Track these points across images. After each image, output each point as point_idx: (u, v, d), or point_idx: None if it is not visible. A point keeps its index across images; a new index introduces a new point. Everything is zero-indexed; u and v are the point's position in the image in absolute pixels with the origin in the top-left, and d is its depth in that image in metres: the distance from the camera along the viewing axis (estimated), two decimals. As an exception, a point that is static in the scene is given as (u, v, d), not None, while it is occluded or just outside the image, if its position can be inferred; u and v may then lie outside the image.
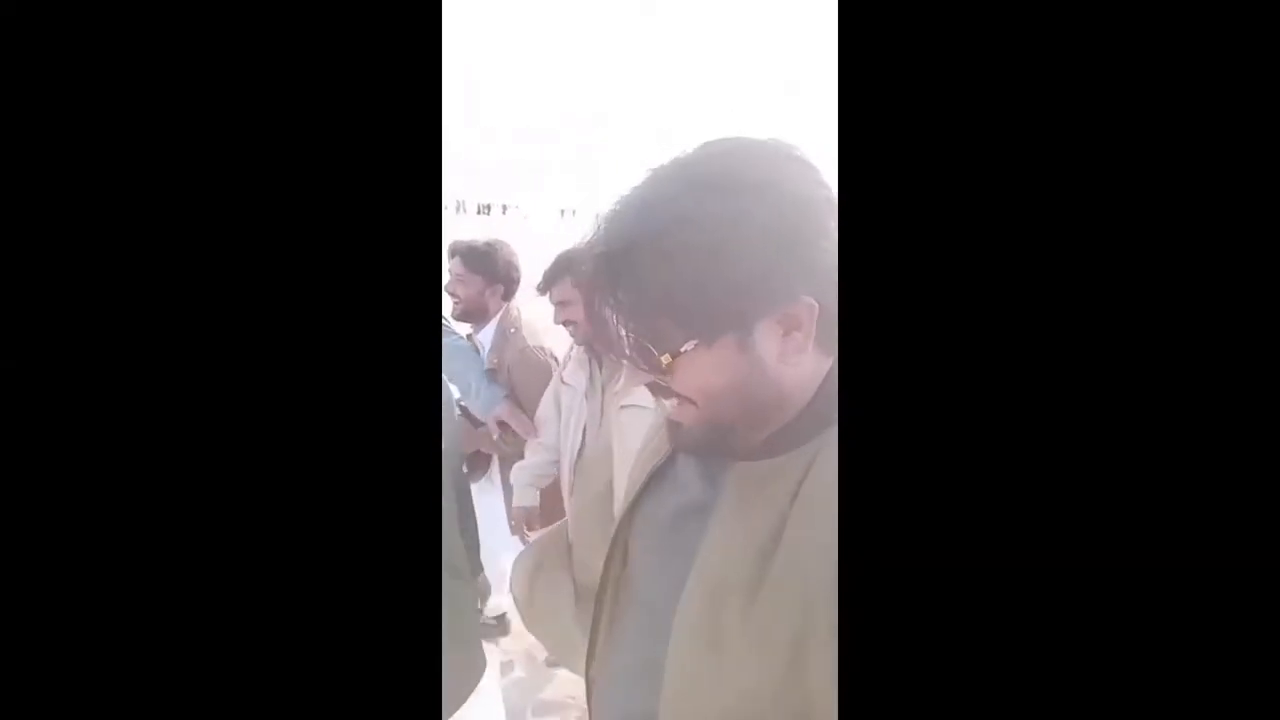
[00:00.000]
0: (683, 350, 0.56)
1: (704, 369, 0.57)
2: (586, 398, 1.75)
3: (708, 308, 0.55)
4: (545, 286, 1.74)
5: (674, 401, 0.60)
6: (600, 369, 1.73)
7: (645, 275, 0.54)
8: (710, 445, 0.61)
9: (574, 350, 1.83)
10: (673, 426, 0.62)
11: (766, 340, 0.57)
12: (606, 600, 0.73)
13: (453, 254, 2.17)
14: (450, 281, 2.17)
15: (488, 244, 2.16)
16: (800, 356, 0.57)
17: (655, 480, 0.71)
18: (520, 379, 2.05)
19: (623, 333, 0.56)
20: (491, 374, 2.11)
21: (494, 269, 2.15)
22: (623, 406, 1.44)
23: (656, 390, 0.60)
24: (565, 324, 1.77)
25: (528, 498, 1.95)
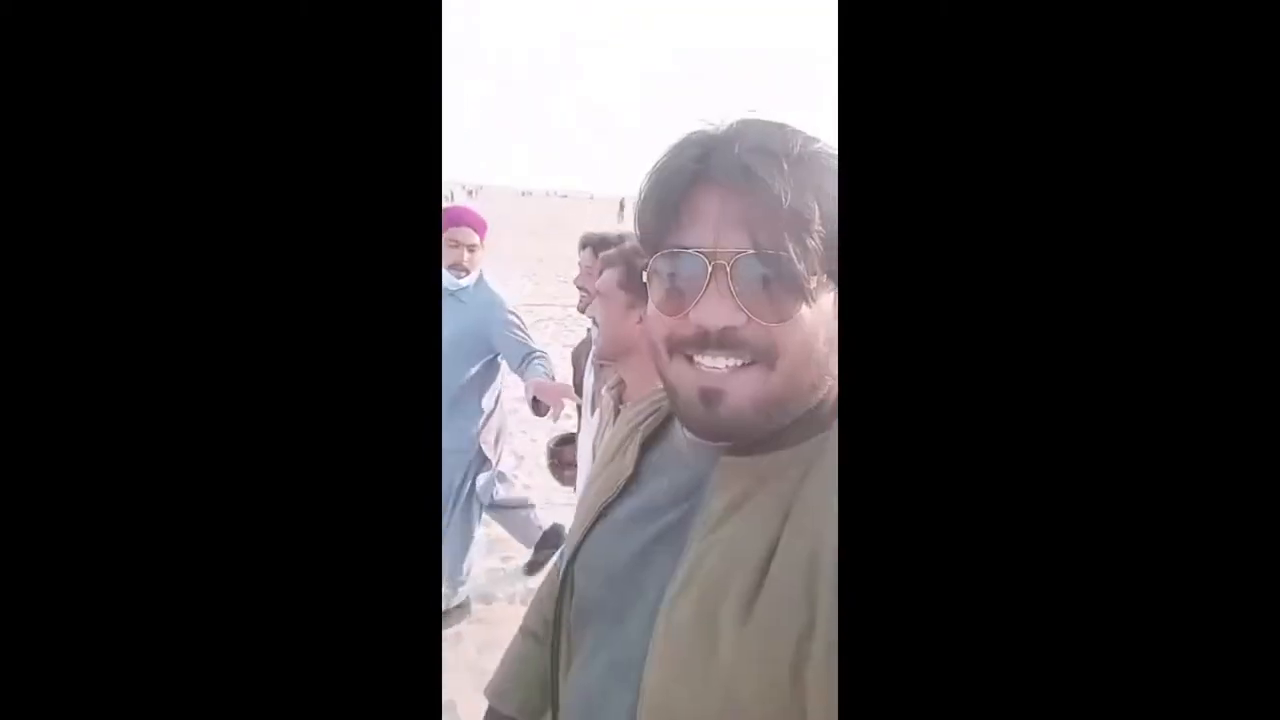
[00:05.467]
0: (814, 284, 0.54)
1: (809, 321, 0.55)
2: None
3: (829, 247, 0.54)
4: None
5: (735, 364, 0.55)
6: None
7: (777, 183, 0.52)
8: (746, 424, 0.56)
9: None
10: (709, 400, 0.56)
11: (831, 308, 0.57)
12: (562, 638, 0.69)
13: (583, 246, 2.06)
14: (579, 275, 2.07)
15: (620, 234, 2.05)
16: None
17: (607, 517, 0.67)
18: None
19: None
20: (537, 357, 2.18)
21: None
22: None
23: (731, 342, 0.55)
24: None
25: None
